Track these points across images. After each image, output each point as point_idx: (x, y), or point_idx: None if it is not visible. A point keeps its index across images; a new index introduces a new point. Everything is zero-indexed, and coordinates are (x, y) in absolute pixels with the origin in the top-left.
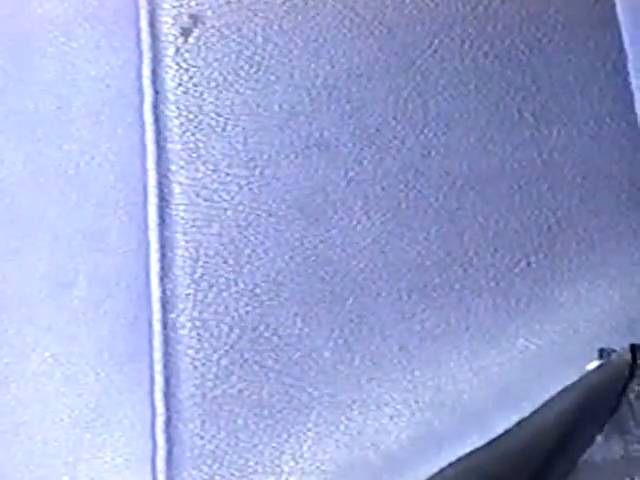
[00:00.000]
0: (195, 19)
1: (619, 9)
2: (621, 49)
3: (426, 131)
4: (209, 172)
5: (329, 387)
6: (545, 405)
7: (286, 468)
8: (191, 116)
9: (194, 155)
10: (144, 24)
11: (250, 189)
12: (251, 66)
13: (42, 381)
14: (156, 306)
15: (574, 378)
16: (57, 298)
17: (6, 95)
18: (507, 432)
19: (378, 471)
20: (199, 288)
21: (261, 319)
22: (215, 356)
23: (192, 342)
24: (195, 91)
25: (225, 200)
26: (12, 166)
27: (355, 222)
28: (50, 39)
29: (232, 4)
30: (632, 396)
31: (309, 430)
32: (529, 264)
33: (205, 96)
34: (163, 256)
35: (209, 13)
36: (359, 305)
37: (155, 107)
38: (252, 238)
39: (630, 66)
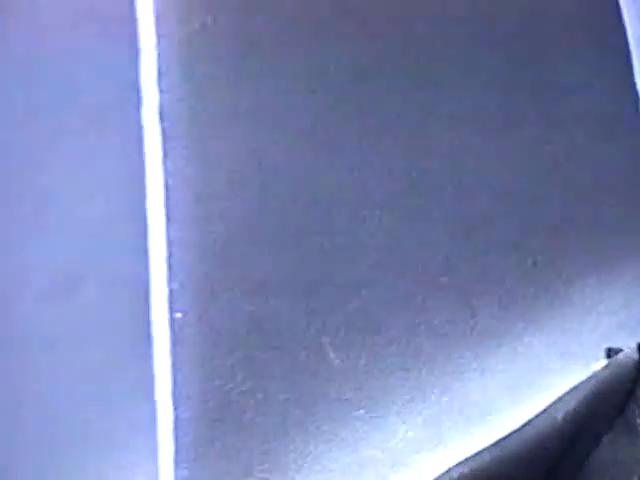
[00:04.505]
0: (200, 19)
1: (625, 11)
2: (627, 50)
3: (432, 130)
4: (214, 171)
5: (335, 386)
6: (552, 405)
7: (293, 467)
8: (195, 114)
9: (199, 154)
10: (150, 23)
11: (255, 188)
12: (255, 66)
13: (47, 379)
14: (162, 305)
15: (581, 377)
16: (63, 297)
17: (9, 94)
18: (514, 432)
19: (384, 470)
20: (205, 287)
21: (267, 318)
22: (221, 355)
23: (198, 341)
24: (200, 90)
25: (231, 199)
26: (15, 165)
27: (360, 221)
28: (53, 38)
29: (237, 4)
30: None
31: (316, 429)
32: (535, 263)
33: (210, 95)
34: (169, 255)
35: (214, 13)
36: (365, 304)
37: (160, 105)
38: (257, 237)
39: (635, 67)
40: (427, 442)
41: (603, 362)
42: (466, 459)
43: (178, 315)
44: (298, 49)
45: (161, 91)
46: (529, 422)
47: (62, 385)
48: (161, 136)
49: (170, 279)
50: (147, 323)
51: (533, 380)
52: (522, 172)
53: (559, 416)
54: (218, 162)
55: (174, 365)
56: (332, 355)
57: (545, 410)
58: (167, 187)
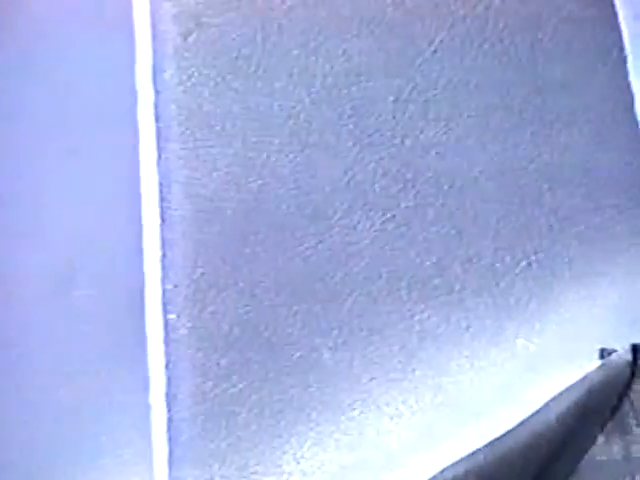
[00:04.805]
0: (195, 19)
1: (620, 11)
2: (622, 49)
3: (426, 131)
4: (209, 172)
5: (329, 387)
6: (546, 405)
7: (287, 468)
8: (191, 115)
9: (194, 154)
10: (145, 23)
11: (250, 189)
12: (250, 65)
13: (42, 381)
14: (156, 306)
15: (575, 378)
16: (57, 297)
17: (6, 95)
18: (508, 432)
19: (379, 471)
20: (199, 288)
21: (261, 319)
22: (215, 356)
23: (192, 342)
24: (195, 90)
25: (225, 200)
26: (11, 165)
27: (355, 222)
28: (50, 39)
29: (232, 3)
30: (633, 396)
31: (310, 430)
32: (529, 264)
33: (205, 95)
34: (163, 256)
35: (209, 12)
36: (359, 305)
37: (155, 106)
38: (252, 238)
39: (630, 66)
40: (421, 443)
41: (597, 363)
42: (460, 460)
43: (172, 316)
44: (293, 49)
45: (156, 91)
46: (523, 423)
47: (57, 385)
48: (156, 136)
49: (164, 280)
50: (141, 324)
51: (527, 381)
52: (517, 172)
53: (553, 417)
54: (213, 163)
55: (168, 366)
56: (326, 356)
57: (539, 411)
58: (161, 187)
